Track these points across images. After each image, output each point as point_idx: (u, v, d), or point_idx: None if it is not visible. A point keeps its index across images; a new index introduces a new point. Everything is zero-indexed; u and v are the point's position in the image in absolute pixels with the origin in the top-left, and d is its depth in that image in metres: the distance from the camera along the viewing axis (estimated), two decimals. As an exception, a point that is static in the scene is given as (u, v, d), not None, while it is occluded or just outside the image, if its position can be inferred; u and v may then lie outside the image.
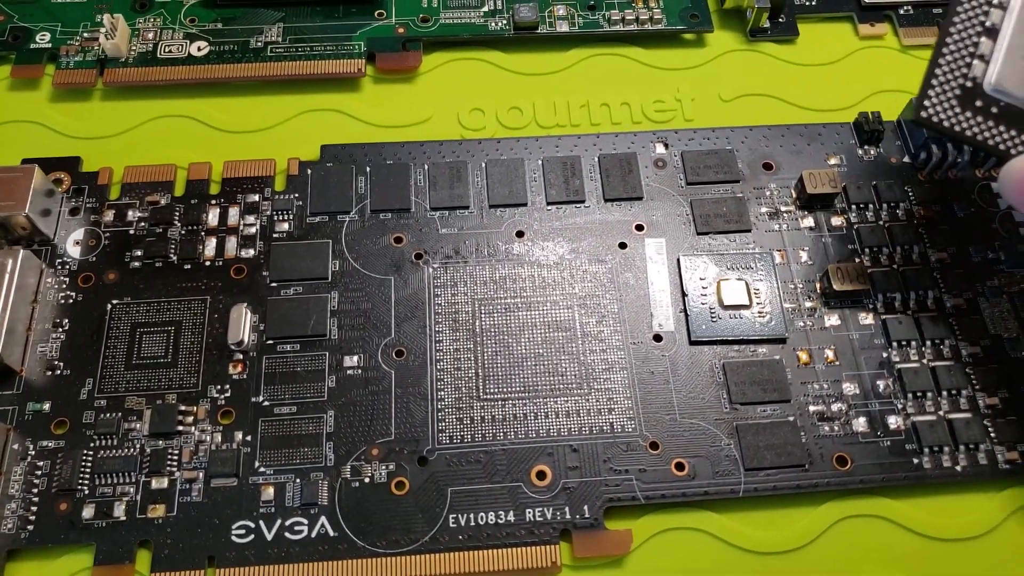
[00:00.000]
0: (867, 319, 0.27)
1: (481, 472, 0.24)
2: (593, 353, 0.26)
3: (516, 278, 0.27)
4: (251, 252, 0.27)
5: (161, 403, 0.25)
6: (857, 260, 0.28)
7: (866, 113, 0.30)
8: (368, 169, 0.29)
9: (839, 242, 0.28)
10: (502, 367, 0.26)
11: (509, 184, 0.29)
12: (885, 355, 0.26)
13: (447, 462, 0.24)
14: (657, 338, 0.26)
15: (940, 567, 0.24)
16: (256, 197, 0.28)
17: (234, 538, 0.23)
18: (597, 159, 0.29)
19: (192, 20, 0.32)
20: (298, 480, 0.24)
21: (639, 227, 0.28)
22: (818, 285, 0.27)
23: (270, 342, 0.26)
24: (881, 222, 0.28)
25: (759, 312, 0.27)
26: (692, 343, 0.26)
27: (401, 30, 0.32)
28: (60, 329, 0.26)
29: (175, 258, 0.27)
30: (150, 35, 0.32)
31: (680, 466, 0.24)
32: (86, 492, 0.24)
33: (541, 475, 0.24)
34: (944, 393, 0.26)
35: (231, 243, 0.28)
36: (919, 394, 0.26)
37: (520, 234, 0.28)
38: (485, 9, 0.33)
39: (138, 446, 0.24)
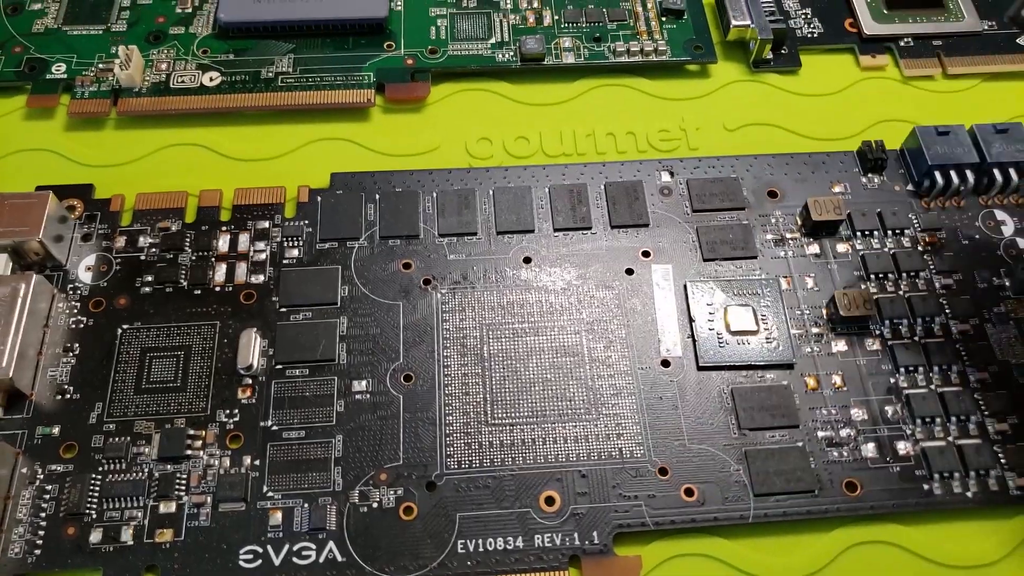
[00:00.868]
0: (874, 345, 0.27)
1: (490, 497, 0.24)
2: (601, 379, 0.26)
3: (524, 304, 0.27)
4: (261, 278, 0.28)
5: (170, 427, 0.25)
6: (863, 286, 0.28)
7: (869, 142, 0.30)
8: (377, 196, 0.29)
9: (845, 268, 0.28)
10: (510, 392, 0.26)
11: (516, 211, 0.29)
12: (893, 380, 0.26)
13: (455, 487, 0.24)
14: (665, 363, 0.26)
15: (952, 594, 0.24)
16: (266, 224, 0.29)
17: (242, 563, 0.23)
18: (603, 187, 0.30)
19: (204, 51, 0.33)
20: (306, 505, 0.24)
21: (646, 253, 0.28)
22: (824, 311, 0.27)
23: (279, 367, 0.26)
24: (886, 249, 0.29)
25: (766, 338, 0.27)
26: (700, 368, 0.26)
27: (410, 61, 0.33)
28: (71, 353, 0.26)
29: (185, 283, 0.28)
30: (163, 66, 0.32)
31: (689, 492, 0.24)
32: (94, 516, 0.24)
33: (550, 501, 0.24)
34: (953, 419, 0.26)
35: (241, 269, 0.28)
36: (928, 420, 0.26)
37: (527, 260, 0.28)
38: (492, 41, 0.33)
39: (146, 470, 0.24)
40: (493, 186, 0.30)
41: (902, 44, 0.34)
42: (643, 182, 0.30)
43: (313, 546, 0.24)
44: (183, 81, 0.32)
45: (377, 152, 0.31)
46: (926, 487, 0.25)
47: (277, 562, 0.23)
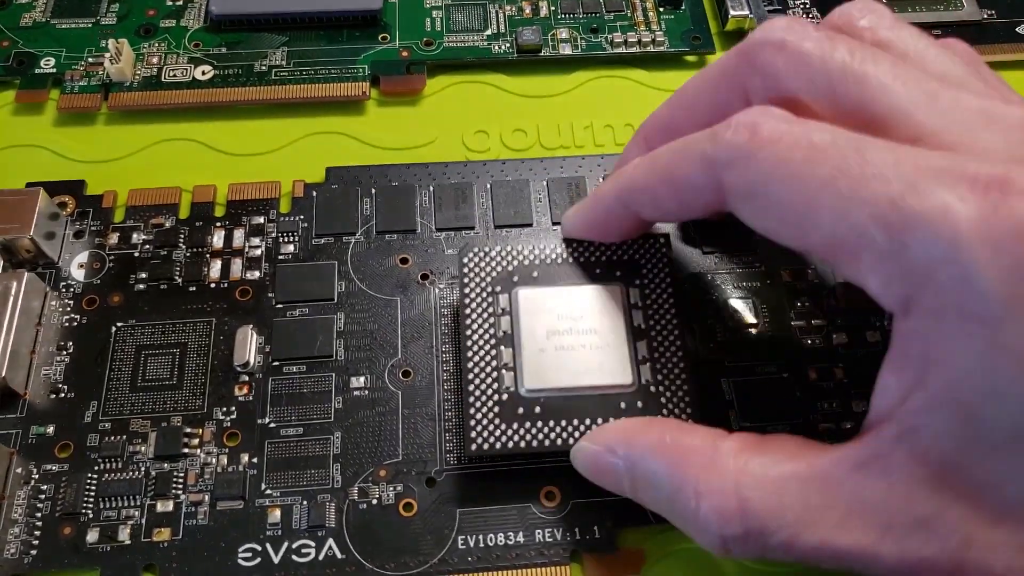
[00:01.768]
0: (875, 337, 0.27)
1: (490, 493, 0.24)
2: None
3: (523, 298, 0.27)
4: (256, 274, 0.27)
5: (166, 426, 0.25)
6: (863, 278, 0.28)
7: (868, 132, 0.30)
8: (373, 191, 0.29)
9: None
10: (510, 387, 0.26)
11: (514, 205, 0.29)
12: (893, 372, 0.26)
13: (455, 483, 0.24)
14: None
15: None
16: (261, 219, 0.28)
17: (241, 561, 0.23)
18: (602, 179, 0.29)
19: (196, 45, 0.33)
20: (305, 502, 0.24)
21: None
22: (825, 303, 0.27)
23: (276, 364, 0.26)
24: (886, 240, 0.28)
25: (766, 330, 0.27)
26: (701, 362, 0.26)
27: (405, 54, 0.33)
28: (64, 352, 0.26)
29: (180, 280, 0.27)
30: (154, 60, 0.32)
31: (691, 485, 0.24)
32: (90, 516, 0.23)
33: (550, 495, 0.24)
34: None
35: (236, 265, 0.28)
36: (929, 411, 0.25)
37: (526, 254, 0.28)
38: (488, 33, 0.33)
39: (143, 469, 0.24)
40: (490, 180, 0.30)
41: (899, 33, 0.34)
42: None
43: (312, 543, 0.23)
44: (175, 75, 0.32)
45: (372, 146, 0.31)
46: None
47: (276, 560, 0.23)
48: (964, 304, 0.16)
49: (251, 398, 0.25)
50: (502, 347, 0.24)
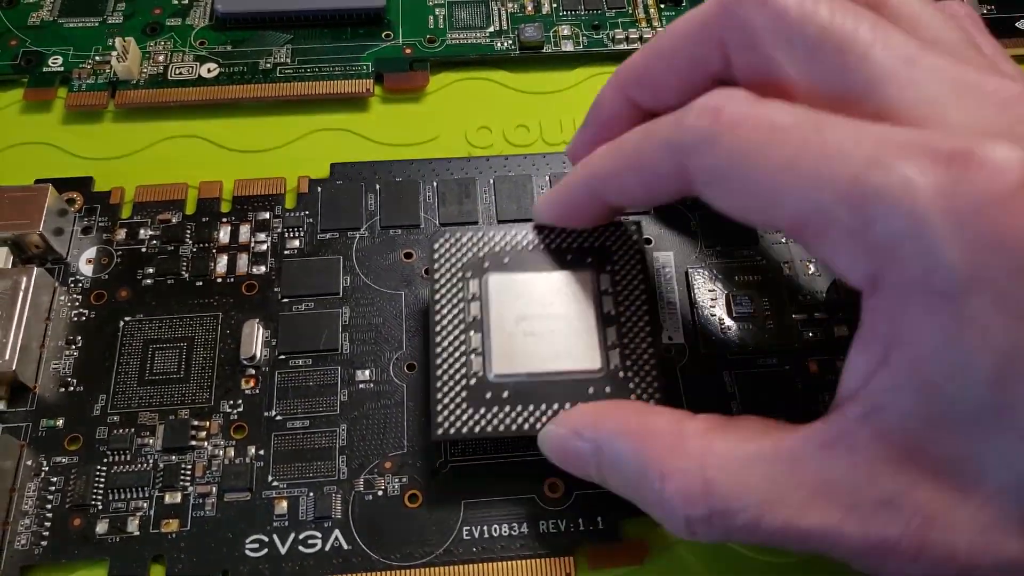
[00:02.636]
0: (875, 329, 0.27)
1: (494, 484, 0.24)
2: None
3: (526, 292, 0.27)
4: (262, 269, 0.28)
5: (174, 418, 0.25)
6: (864, 271, 0.28)
7: (869, 127, 0.30)
8: (377, 186, 0.29)
9: (845, 253, 0.28)
10: (513, 380, 0.26)
11: (517, 200, 0.29)
12: (894, 364, 0.26)
13: (460, 474, 0.24)
14: (668, 350, 0.26)
15: None
16: (267, 215, 0.29)
17: (248, 552, 0.23)
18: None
19: (202, 43, 0.33)
20: (311, 494, 0.24)
21: (647, 241, 0.29)
22: (826, 296, 0.27)
23: (282, 357, 0.26)
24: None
25: (768, 323, 0.27)
26: (702, 355, 0.26)
27: (408, 51, 0.33)
28: (73, 346, 0.26)
29: (187, 275, 0.28)
30: (161, 58, 0.32)
31: (693, 476, 0.24)
32: (100, 507, 0.24)
33: (554, 487, 0.24)
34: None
35: (242, 260, 0.28)
36: (929, 403, 0.26)
37: (529, 248, 0.28)
38: (491, 30, 0.33)
39: (151, 461, 0.24)
40: (493, 175, 0.30)
41: (900, 29, 0.34)
42: (643, 169, 0.30)
43: (319, 534, 0.24)
44: (181, 73, 0.32)
45: (376, 142, 0.31)
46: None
47: (283, 551, 0.23)
48: (928, 279, 0.16)
49: (258, 391, 0.26)
50: (471, 332, 0.24)
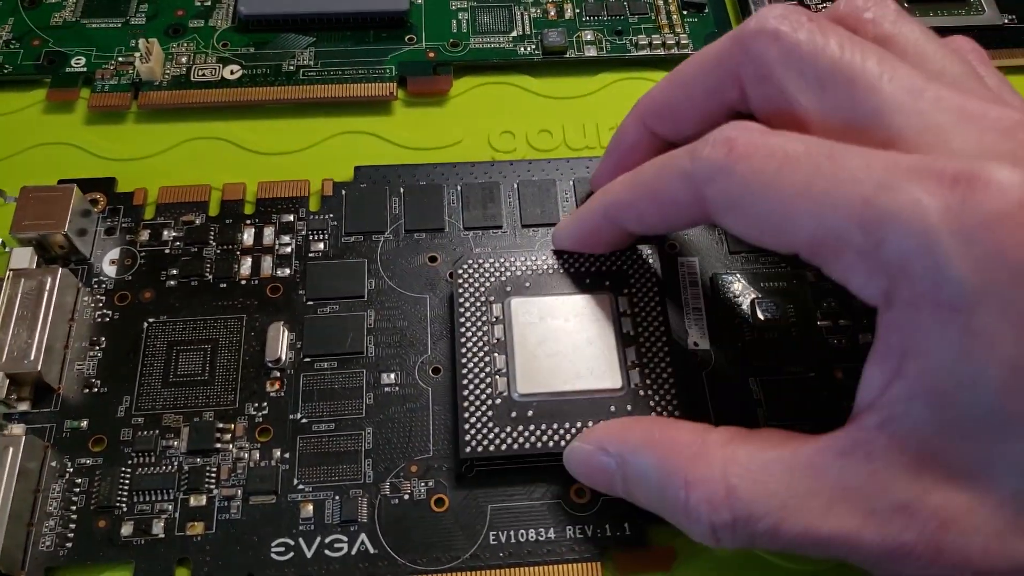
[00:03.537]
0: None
1: (521, 489, 0.24)
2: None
3: (551, 296, 0.27)
4: (287, 271, 0.28)
5: (199, 420, 0.25)
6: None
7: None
8: (402, 190, 0.29)
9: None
10: (539, 384, 0.26)
11: (541, 204, 0.29)
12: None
13: (486, 479, 0.24)
14: (693, 356, 0.26)
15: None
16: (291, 217, 0.29)
17: (273, 555, 0.23)
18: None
19: (225, 44, 0.33)
20: (337, 497, 0.24)
21: (671, 247, 0.28)
22: (851, 303, 0.27)
23: (307, 360, 0.26)
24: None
25: (793, 330, 0.27)
26: (727, 361, 0.26)
27: (431, 55, 0.33)
28: (97, 347, 0.26)
29: (211, 277, 0.27)
30: (183, 59, 0.32)
31: (720, 483, 0.24)
32: (124, 509, 0.24)
33: (580, 492, 0.24)
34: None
35: (267, 262, 0.28)
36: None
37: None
38: (514, 34, 0.33)
39: (176, 463, 0.24)
40: (517, 179, 0.30)
41: (921, 37, 0.34)
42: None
43: (345, 538, 0.23)
44: (203, 74, 0.32)
45: (400, 146, 0.31)
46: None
47: (309, 554, 0.23)
48: (938, 294, 0.16)
49: (283, 394, 0.25)
50: (495, 353, 0.25)
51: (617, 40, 0.33)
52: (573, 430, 0.23)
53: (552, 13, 0.34)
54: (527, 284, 0.26)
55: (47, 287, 0.26)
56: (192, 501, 0.24)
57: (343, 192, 0.29)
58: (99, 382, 0.26)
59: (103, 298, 0.27)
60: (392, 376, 0.26)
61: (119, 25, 0.33)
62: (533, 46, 0.33)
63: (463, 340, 0.25)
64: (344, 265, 0.28)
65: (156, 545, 0.23)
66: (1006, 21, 0.35)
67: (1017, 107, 0.20)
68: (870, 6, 0.21)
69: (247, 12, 0.33)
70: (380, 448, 0.25)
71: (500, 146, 0.31)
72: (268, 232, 0.28)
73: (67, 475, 0.24)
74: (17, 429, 0.24)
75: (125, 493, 0.24)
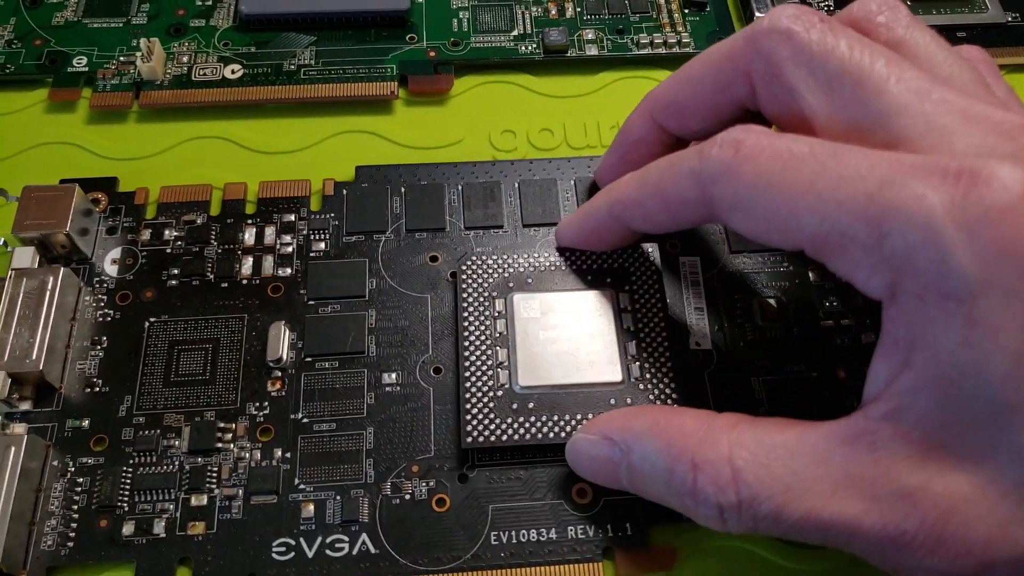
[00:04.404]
0: (903, 336, 0.27)
1: (522, 489, 0.24)
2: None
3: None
4: (288, 271, 0.28)
5: (200, 420, 0.25)
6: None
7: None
8: (403, 189, 0.29)
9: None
10: (540, 384, 0.26)
11: (543, 203, 0.29)
12: (922, 372, 0.26)
13: (487, 479, 0.24)
14: (695, 355, 0.26)
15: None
16: (292, 217, 0.29)
17: (275, 555, 0.23)
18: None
19: (226, 44, 0.33)
20: (338, 497, 0.24)
21: (673, 246, 0.28)
22: (853, 302, 0.27)
23: (308, 359, 0.26)
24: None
25: (795, 330, 0.27)
26: (729, 360, 0.26)
27: (432, 54, 0.33)
28: (98, 347, 0.26)
29: (212, 276, 0.27)
30: (185, 59, 0.32)
31: (721, 483, 0.24)
32: (126, 509, 0.24)
33: (582, 492, 0.24)
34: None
35: (268, 262, 0.28)
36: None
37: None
38: (515, 33, 0.33)
39: (177, 463, 0.24)
40: (518, 179, 0.30)
41: (923, 35, 0.34)
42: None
43: (346, 538, 0.23)
44: (205, 74, 0.32)
45: (401, 145, 0.31)
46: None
47: (310, 554, 0.23)
48: (942, 285, 0.17)
49: (284, 393, 0.25)
50: (497, 347, 0.25)
51: (618, 39, 0.33)
52: (573, 422, 0.24)
53: (553, 12, 0.34)
54: (529, 280, 0.26)
55: (49, 287, 0.26)
56: (193, 501, 0.24)
57: (344, 192, 0.29)
58: (100, 381, 0.26)
59: (104, 297, 0.27)
60: (393, 376, 0.26)
61: (120, 25, 0.33)
62: (534, 45, 0.33)
63: (466, 334, 0.25)
64: (345, 265, 0.28)
65: (157, 545, 0.23)
66: (1009, 20, 0.35)
67: (1021, 113, 0.20)
68: (883, 10, 0.22)
69: (248, 11, 0.33)
70: (381, 448, 0.25)
71: (501, 145, 0.31)
72: (269, 232, 0.28)
73: (69, 474, 0.24)
74: (19, 428, 0.24)
75: (126, 492, 0.24)
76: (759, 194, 0.19)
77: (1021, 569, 0.17)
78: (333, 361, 0.26)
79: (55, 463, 0.24)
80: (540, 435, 0.24)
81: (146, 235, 0.28)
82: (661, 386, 0.25)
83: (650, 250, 0.27)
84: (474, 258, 0.26)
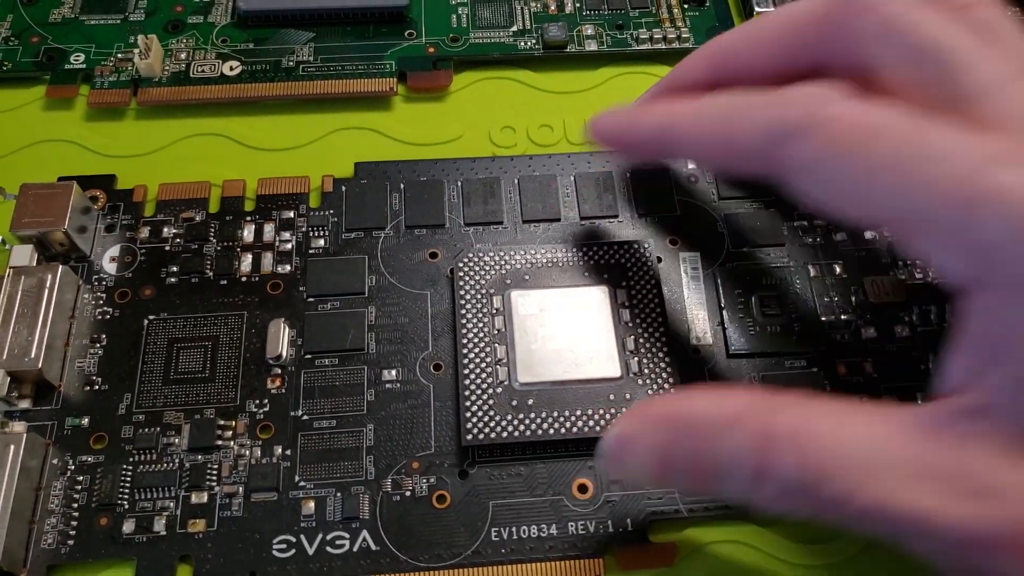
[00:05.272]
0: (904, 332, 0.27)
1: (523, 485, 0.24)
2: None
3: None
4: (287, 268, 0.28)
5: (199, 418, 0.25)
6: (891, 273, 0.28)
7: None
8: (402, 186, 0.29)
9: (873, 255, 0.28)
10: (540, 380, 0.26)
11: (542, 200, 0.29)
12: (923, 367, 0.26)
13: (488, 476, 0.24)
14: (696, 351, 0.26)
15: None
16: (291, 214, 0.29)
17: (275, 553, 0.23)
18: (629, 175, 0.30)
19: (224, 40, 0.33)
20: (339, 494, 0.24)
21: (673, 241, 0.28)
22: (854, 298, 0.27)
23: (308, 356, 0.26)
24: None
25: (795, 325, 0.27)
26: (730, 356, 0.26)
27: (431, 50, 0.33)
28: (97, 344, 0.26)
29: (211, 274, 0.27)
30: (183, 55, 0.32)
31: (722, 479, 0.24)
32: (126, 507, 0.24)
33: (583, 488, 0.24)
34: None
35: (267, 259, 0.28)
36: (959, 406, 0.26)
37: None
38: (514, 29, 0.33)
39: (177, 461, 0.24)
40: (518, 175, 0.30)
41: (924, 30, 0.34)
42: (669, 170, 0.30)
43: (347, 535, 0.23)
44: (203, 71, 0.32)
45: (400, 141, 0.31)
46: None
47: (311, 551, 0.23)
48: None
49: (284, 391, 0.25)
50: (496, 344, 0.25)
51: (618, 34, 0.33)
52: (572, 417, 0.24)
53: (552, 7, 0.34)
54: (527, 277, 0.26)
55: (47, 284, 0.26)
56: (193, 498, 0.24)
57: (343, 188, 0.29)
58: (100, 379, 0.26)
59: (103, 295, 0.27)
60: (393, 372, 0.26)
61: (118, 21, 0.33)
62: (533, 41, 0.33)
63: (464, 331, 0.25)
64: (345, 261, 0.28)
65: (158, 542, 0.23)
66: (1011, 12, 0.34)
67: None
68: None
69: (246, 8, 0.33)
70: (381, 445, 0.25)
71: (501, 141, 0.31)
72: (268, 228, 0.28)
73: (68, 472, 0.24)
74: (18, 427, 0.24)
75: (126, 490, 0.24)
76: (836, 161, 0.18)
77: None
78: (333, 358, 0.26)
79: (55, 461, 0.24)
80: (540, 431, 0.24)
81: (145, 232, 0.28)
82: (660, 381, 0.25)
83: (647, 246, 0.27)
84: (471, 255, 0.27)
